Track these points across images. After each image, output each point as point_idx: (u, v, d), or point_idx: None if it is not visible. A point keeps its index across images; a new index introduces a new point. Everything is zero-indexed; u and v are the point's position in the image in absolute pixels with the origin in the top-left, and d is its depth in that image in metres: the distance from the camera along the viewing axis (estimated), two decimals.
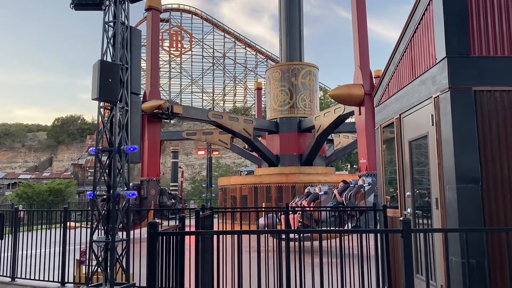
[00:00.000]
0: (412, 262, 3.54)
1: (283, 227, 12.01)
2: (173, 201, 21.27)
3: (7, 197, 43.00)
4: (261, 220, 12.09)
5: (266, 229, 11.05)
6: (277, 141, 22.51)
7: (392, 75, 6.97)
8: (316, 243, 11.47)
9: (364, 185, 13.09)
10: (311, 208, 11.70)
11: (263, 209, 14.39)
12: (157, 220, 6.75)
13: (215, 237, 6.48)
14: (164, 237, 3.81)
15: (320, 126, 19.52)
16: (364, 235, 7.12)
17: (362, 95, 15.40)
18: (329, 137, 24.20)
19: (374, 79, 16.81)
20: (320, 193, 13.29)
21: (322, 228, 10.73)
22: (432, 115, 5.33)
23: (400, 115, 6.53)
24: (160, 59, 71.92)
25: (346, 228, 11.43)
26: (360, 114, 15.78)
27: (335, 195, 12.91)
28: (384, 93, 7.39)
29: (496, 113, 4.85)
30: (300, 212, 11.75)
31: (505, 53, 5.04)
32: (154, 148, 19.05)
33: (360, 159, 15.81)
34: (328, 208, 11.31)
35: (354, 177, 16.89)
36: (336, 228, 10.38)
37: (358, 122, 16.10)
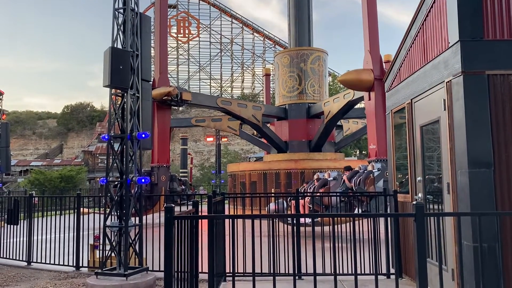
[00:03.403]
0: (425, 246, 3.57)
1: (293, 213, 12.08)
2: (183, 187, 21.48)
3: (20, 184, 43.60)
4: (272, 205, 12.17)
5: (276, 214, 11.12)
6: (286, 127, 22.48)
7: (404, 60, 6.92)
8: (325, 228, 11.55)
9: (373, 170, 13.08)
10: (321, 194, 11.73)
11: (273, 194, 14.47)
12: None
13: (227, 221, 6.58)
14: (180, 221, 3.88)
15: (329, 112, 19.44)
16: (375, 219, 7.17)
17: (372, 80, 15.30)
18: (339, 123, 24.09)
19: (384, 64, 16.65)
20: (329, 179, 13.31)
21: (336, 213, 10.78)
22: (444, 100, 5.31)
23: (411, 100, 6.51)
24: (167, 45, 71.58)
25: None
26: (369, 99, 15.69)
27: (344, 181, 12.93)
28: (395, 78, 7.35)
29: (509, 97, 4.82)
30: (309, 198, 11.79)
31: None
32: (164, 134, 19.15)
33: (369, 144, 15.77)
34: (338, 194, 11.34)
35: (363, 162, 16.84)
36: (350, 213, 10.43)
37: (367, 107, 16.02)
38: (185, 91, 20.00)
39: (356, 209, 11.53)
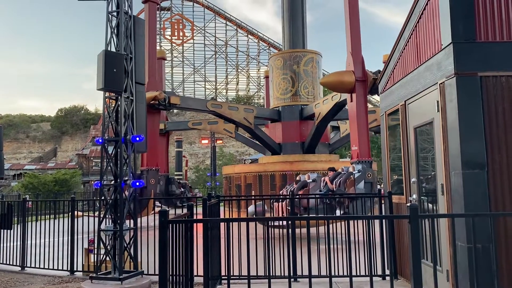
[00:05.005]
0: (419, 247, 3.58)
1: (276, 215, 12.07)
2: (182, 189, 21.56)
3: (13, 188, 43.32)
4: (251, 208, 12.10)
5: (254, 216, 11.08)
6: (279, 129, 22.50)
7: (397, 62, 6.96)
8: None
9: (354, 172, 13.18)
10: (300, 196, 11.72)
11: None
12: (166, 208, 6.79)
13: (222, 224, 6.57)
14: (174, 225, 3.87)
15: (320, 114, 19.46)
16: (355, 221, 7.17)
17: (353, 82, 15.21)
18: (336, 124, 24.11)
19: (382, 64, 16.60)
20: (308, 181, 13.32)
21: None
22: (437, 101, 5.34)
23: (405, 101, 6.54)
24: (162, 48, 71.49)
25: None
26: (351, 101, 15.61)
27: (326, 182, 12.96)
28: (389, 80, 7.38)
29: (502, 98, 4.85)
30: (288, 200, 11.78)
31: (511, 38, 5.02)
32: (153, 138, 19.13)
33: (352, 146, 15.73)
34: (321, 195, 11.43)
35: (346, 164, 16.82)
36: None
37: (349, 109, 15.91)
38: (173, 94, 20.04)
39: (337, 210, 11.58)
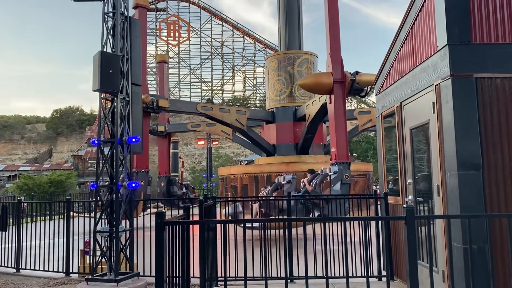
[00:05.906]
0: (415, 248, 3.60)
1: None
2: (184, 190, 21.61)
3: (8, 189, 43.10)
4: (225, 211, 12.13)
5: (230, 218, 11.12)
6: (273, 130, 22.52)
7: (393, 63, 6.98)
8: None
9: (329, 174, 13.23)
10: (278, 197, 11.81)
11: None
12: (163, 209, 6.76)
13: (219, 225, 6.57)
14: (171, 226, 3.86)
15: (310, 115, 19.50)
16: (366, 222, 7.19)
17: (331, 83, 15.20)
18: None
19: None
20: (283, 182, 13.36)
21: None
22: (433, 103, 5.36)
23: (401, 103, 6.56)
24: (158, 49, 71.24)
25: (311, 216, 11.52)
26: (330, 102, 15.64)
27: (305, 184, 13.01)
28: (384, 81, 7.40)
29: (497, 100, 4.88)
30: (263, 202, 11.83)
31: (506, 40, 5.05)
32: (143, 140, 19.23)
33: (331, 147, 15.77)
34: (299, 196, 11.50)
35: (326, 165, 16.86)
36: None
37: (329, 110, 15.87)
38: (161, 97, 20.09)
39: (312, 212, 11.63)
